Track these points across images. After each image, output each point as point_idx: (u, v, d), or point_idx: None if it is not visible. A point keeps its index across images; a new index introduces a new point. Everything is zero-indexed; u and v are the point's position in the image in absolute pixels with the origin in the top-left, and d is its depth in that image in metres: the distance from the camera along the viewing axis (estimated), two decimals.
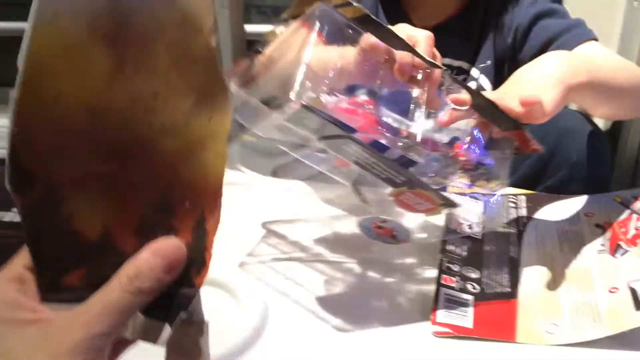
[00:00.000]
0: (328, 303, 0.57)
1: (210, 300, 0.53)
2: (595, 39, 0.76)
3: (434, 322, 0.53)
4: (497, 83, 0.81)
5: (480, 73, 0.84)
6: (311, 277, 0.61)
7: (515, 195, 0.75)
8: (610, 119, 0.80)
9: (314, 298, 0.58)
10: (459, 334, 0.52)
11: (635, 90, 0.69)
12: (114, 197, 0.29)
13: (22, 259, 0.31)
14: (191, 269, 0.31)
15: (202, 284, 0.32)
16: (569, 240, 0.66)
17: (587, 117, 0.79)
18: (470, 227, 0.67)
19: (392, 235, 0.57)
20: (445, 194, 0.54)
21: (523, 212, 0.72)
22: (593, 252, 0.63)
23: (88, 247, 0.29)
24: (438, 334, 0.52)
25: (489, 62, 0.83)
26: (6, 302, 0.29)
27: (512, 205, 0.73)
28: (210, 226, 0.31)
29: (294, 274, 0.61)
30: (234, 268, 0.61)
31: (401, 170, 0.50)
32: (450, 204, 0.54)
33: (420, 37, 0.56)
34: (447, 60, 0.84)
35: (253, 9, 1.29)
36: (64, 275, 0.29)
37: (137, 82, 0.28)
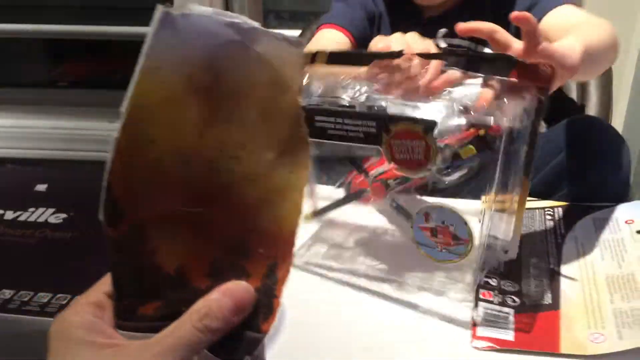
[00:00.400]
0: (351, 314, 0.57)
1: None
2: (573, 3, 0.80)
3: (474, 337, 0.53)
4: None
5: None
6: (333, 283, 0.61)
7: (552, 207, 0.74)
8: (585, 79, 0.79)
9: (334, 305, 0.58)
10: (501, 347, 0.52)
11: (610, 49, 0.74)
12: (195, 237, 0.32)
13: (103, 286, 0.33)
14: (259, 314, 0.32)
15: (269, 330, 0.32)
16: (610, 248, 0.65)
17: (607, 123, 0.78)
18: (505, 252, 0.66)
19: (453, 236, 0.56)
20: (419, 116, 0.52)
21: (561, 223, 0.71)
22: (635, 258, 0.62)
23: (165, 281, 0.31)
24: (479, 349, 0.52)
25: None
26: (85, 325, 0.31)
27: (549, 217, 0.72)
28: (282, 274, 0.32)
29: (316, 279, 0.61)
30: None
31: (371, 115, 0.50)
32: (428, 123, 0.52)
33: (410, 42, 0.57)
34: (457, 41, 0.86)
35: (271, 14, 1.33)
36: (141, 305, 0.31)
37: (226, 133, 0.31)
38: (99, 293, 0.32)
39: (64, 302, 0.86)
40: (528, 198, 0.76)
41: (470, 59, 0.55)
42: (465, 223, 0.56)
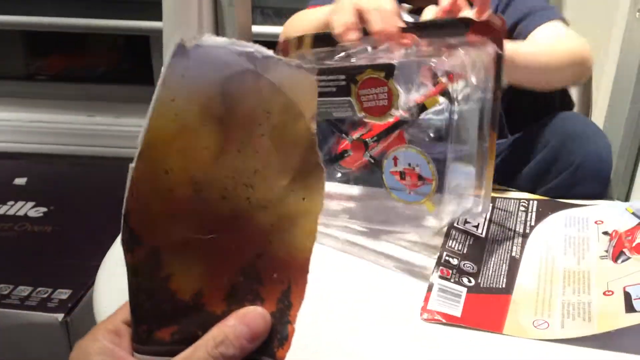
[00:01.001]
0: (328, 288, 0.60)
1: None
2: (562, 19, 0.83)
3: (424, 309, 0.55)
4: None
5: None
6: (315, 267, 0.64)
7: (527, 199, 0.76)
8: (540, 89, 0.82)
9: (316, 285, 0.60)
10: (447, 321, 0.54)
11: (569, 63, 0.78)
12: (209, 263, 0.32)
13: (121, 314, 0.34)
14: (274, 340, 0.33)
15: (284, 358, 0.33)
16: (574, 245, 0.67)
17: (591, 121, 0.80)
18: (476, 227, 0.69)
19: (419, 177, 0.59)
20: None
21: (533, 216, 0.73)
22: (595, 257, 0.64)
23: (181, 306, 0.32)
24: (427, 320, 0.54)
25: None
26: (103, 351, 0.32)
27: (523, 209, 0.74)
28: (295, 299, 0.33)
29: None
30: None
31: (341, 69, 0.54)
32: (389, 67, 0.56)
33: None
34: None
35: (257, 10, 1.34)
36: (157, 330, 0.32)
37: (239, 160, 0.31)
38: (116, 321, 0.34)
39: (44, 295, 0.89)
40: (508, 188, 0.79)
41: (428, 26, 0.59)
42: (429, 162, 0.59)
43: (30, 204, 1.14)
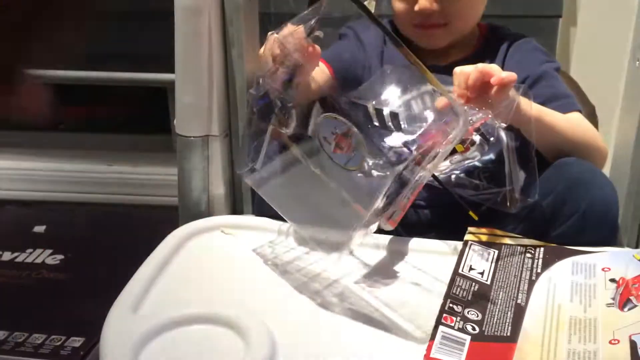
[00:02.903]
0: (334, 340, 0.60)
1: (218, 340, 0.59)
2: (579, 111, 0.87)
3: (427, 358, 0.55)
4: None
5: None
6: (318, 314, 0.64)
7: (533, 246, 0.76)
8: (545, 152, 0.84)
9: (319, 333, 0.61)
10: None
11: (584, 145, 0.83)
12: None
13: None
14: None
15: None
16: (581, 292, 0.66)
17: (596, 167, 0.80)
18: (481, 273, 0.69)
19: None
20: None
21: (539, 262, 0.73)
22: (602, 305, 0.63)
23: None
24: None
25: None
26: None
27: (529, 255, 0.74)
28: None
29: (301, 310, 0.65)
30: (241, 306, 0.64)
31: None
32: None
33: None
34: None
35: (265, 17, 1.38)
36: None
37: None
38: None
39: (58, 343, 0.91)
40: (514, 235, 0.79)
41: None
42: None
43: (48, 251, 1.17)
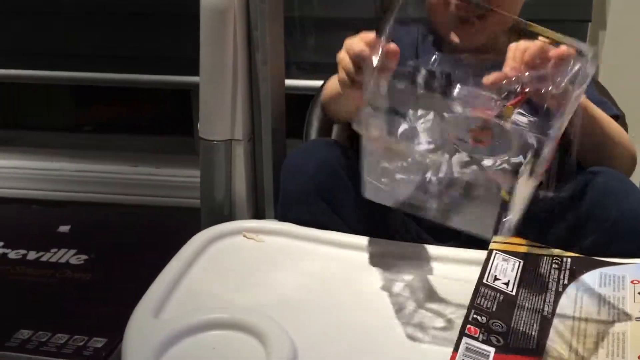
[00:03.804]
0: (355, 347, 0.60)
1: (239, 345, 0.58)
2: (618, 116, 0.87)
3: None
4: None
5: None
6: (340, 321, 0.64)
7: (560, 257, 0.74)
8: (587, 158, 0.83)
9: (341, 341, 0.61)
10: None
11: (619, 145, 0.83)
12: None
13: None
14: None
15: None
16: (609, 305, 0.65)
17: (625, 176, 0.78)
18: (506, 284, 0.68)
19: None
20: None
21: (566, 274, 0.71)
22: (631, 318, 0.62)
23: None
24: None
25: None
26: None
27: (556, 266, 0.73)
28: None
29: (323, 317, 0.64)
30: (262, 312, 0.63)
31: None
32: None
33: None
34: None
35: (293, 65, 1.39)
36: None
37: None
38: None
39: (80, 343, 0.91)
40: (540, 245, 0.77)
41: None
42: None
43: (72, 251, 1.18)
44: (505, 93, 0.67)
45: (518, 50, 0.70)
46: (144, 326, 0.62)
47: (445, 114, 0.88)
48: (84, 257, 1.17)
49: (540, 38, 0.69)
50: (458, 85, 0.70)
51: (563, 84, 0.67)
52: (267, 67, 0.91)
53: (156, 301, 0.65)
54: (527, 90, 0.68)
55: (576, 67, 0.65)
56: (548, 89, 0.68)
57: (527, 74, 0.68)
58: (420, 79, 0.69)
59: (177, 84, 1.48)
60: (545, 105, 0.68)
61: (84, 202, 1.56)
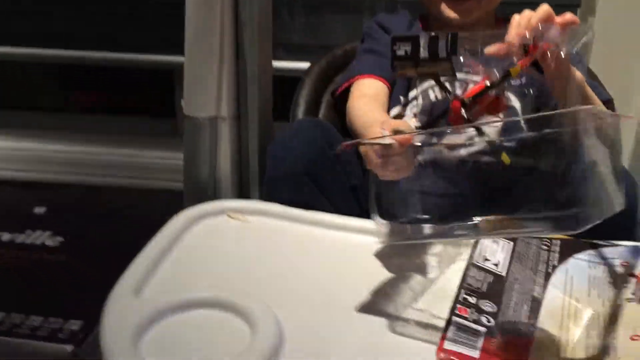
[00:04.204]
0: (342, 328, 0.58)
1: (223, 325, 0.56)
2: (609, 100, 0.91)
3: (440, 349, 0.53)
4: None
5: None
6: (327, 301, 0.62)
7: (549, 238, 0.73)
8: None
9: (328, 321, 0.59)
10: None
11: None
12: None
13: None
14: None
15: None
16: (599, 286, 0.64)
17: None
18: (496, 265, 0.67)
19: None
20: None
21: (555, 255, 0.70)
22: (621, 300, 0.61)
23: None
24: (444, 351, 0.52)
25: None
26: None
27: (545, 248, 0.72)
28: None
29: (309, 296, 0.63)
30: (247, 292, 0.61)
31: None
32: None
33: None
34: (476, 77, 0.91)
35: (280, 46, 1.37)
36: None
37: None
38: None
39: (56, 326, 0.88)
40: (529, 227, 0.76)
41: None
42: None
43: (48, 233, 1.15)
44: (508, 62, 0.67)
45: (523, 17, 0.70)
46: (124, 305, 0.59)
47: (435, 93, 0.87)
48: (60, 239, 1.14)
49: None
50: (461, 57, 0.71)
51: (567, 49, 0.67)
52: (255, 43, 0.88)
53: (137, 279, 0.63)
54: (534, 52, 0.69)
55: (578, 37, 0.64)
56: (554, 51, 0.67)
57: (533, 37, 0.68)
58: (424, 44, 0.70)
59: (161, 64, 1.45)
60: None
61: (60, 183, 1.52)
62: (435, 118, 0.85)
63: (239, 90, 0.91)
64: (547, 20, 0.69)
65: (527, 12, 0.71)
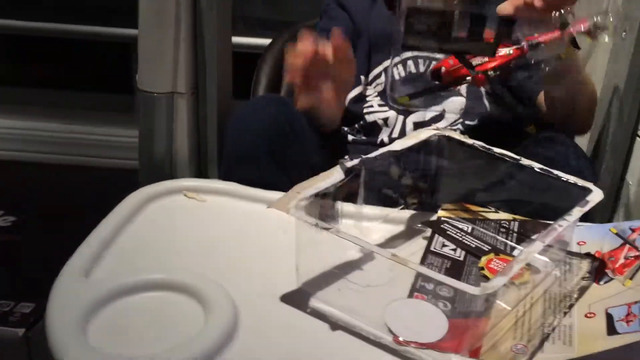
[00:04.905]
0: (296, 310, 0.57)
1: (176, 307, 0.55)
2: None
3: (396, 340, 0.53)
4: None
5: None
6: (281, 283, 0.60)
7: (508, 220, 0.74)
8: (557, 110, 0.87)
9: (284, 306, 0.58)
10: (422, 347, 0.51)
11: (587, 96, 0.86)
12: None
13: None
14: None
15: None
16: (555, 266, 0.64)
17: (572, 140, 0.79)
18: (454, 250, 0.66)
19: None
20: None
21: (514, 237, 0.70)
22: (577, 278, 0.62)
23: None
24: (401, 344, 0.52)
25: None
26: None
27: (503, 230, 0.72)
28: None
29: (264, 278, 0.61)
30: (202, 273, 0.60)
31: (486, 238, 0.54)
32: (534, 270, 0.60)
33: None
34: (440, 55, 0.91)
35: (240, 20, 1.33)
36: None
37: None
38: None
39: (6, 309, 0.85)
40: (488, 209, 0.77)
41: None
42: None
43: None
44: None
45: None
46: (72, 286, 0.57)
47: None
48: (12, 218, 1.10)
49: None
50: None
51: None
52: (213, 14, 0.84)
53: (86, 260, 0.60)
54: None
55: None
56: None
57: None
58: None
59: (118, 36, 1.39)
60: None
61: (11, 161, 1.46)
62: (424, 89, 0.84)
63: (197, 65, 0.88)
64: None
65: None
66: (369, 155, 0.65)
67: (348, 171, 0.62)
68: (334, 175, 0.61)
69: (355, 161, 0.64)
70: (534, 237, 0.59)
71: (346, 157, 0.68)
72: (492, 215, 0.75)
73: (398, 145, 0.68)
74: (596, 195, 0.60)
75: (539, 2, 0.67)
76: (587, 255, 0.66)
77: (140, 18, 0.84)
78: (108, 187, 1.04)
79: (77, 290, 0.56)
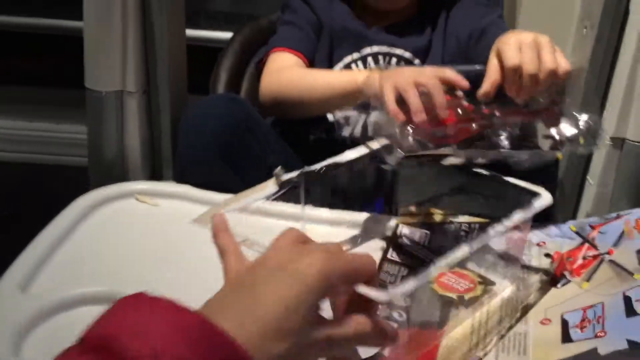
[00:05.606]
0: None
1: None
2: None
3: None
4: None
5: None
6: None
7: (469, 222, 0.72)
8: None
9: None
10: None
11: None
12: None
13: None
14: None
15: None
16: (514, 269, 0.63)
17: None
18: (411, 257, 0.65)
19: None
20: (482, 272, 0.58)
21: (474, 239, 0.69)
22: (536, 282, 0.61)
23: None
24: None
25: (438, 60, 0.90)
26: None
27: (464, 233, 0.71)
28: None
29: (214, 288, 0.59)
30: (149, 284, 0.56)
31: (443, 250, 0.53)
32: (488, 283, 0.58)
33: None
34: (399, 51, 0.90)
35: (201, 14, 1.30)
36: None
37: None
38: None
39: None
40: (447, 212, 0.75)
41: None
42: None
43: None
44: None
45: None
46: (9, 301, 0.54)
47: None
48: None
49: None
50: None
51: None
52: (164, 10, 0.81)
53: (24, 273, 0.57)
54: None
55: None
56: None
57: None
58: None
59: (69, 29, 1.33)
60: None
61: None
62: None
63: (148, 62, 0.84)
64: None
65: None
66: (310, 168, 0.63)
67: (283, 184, 0.60)
68: (268, 188, 0.59)
69: (294, 174, 0.61)
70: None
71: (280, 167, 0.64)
72: (453, 219, 0.73)
73: (345, 157, 0.67)
74: (544, 200, 0.59)
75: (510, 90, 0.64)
76: (546, 256, 0.65)
77: (85, 12, 0.80)
78: (63, 187, 1.00)
79: (14, 306, 0.53)
